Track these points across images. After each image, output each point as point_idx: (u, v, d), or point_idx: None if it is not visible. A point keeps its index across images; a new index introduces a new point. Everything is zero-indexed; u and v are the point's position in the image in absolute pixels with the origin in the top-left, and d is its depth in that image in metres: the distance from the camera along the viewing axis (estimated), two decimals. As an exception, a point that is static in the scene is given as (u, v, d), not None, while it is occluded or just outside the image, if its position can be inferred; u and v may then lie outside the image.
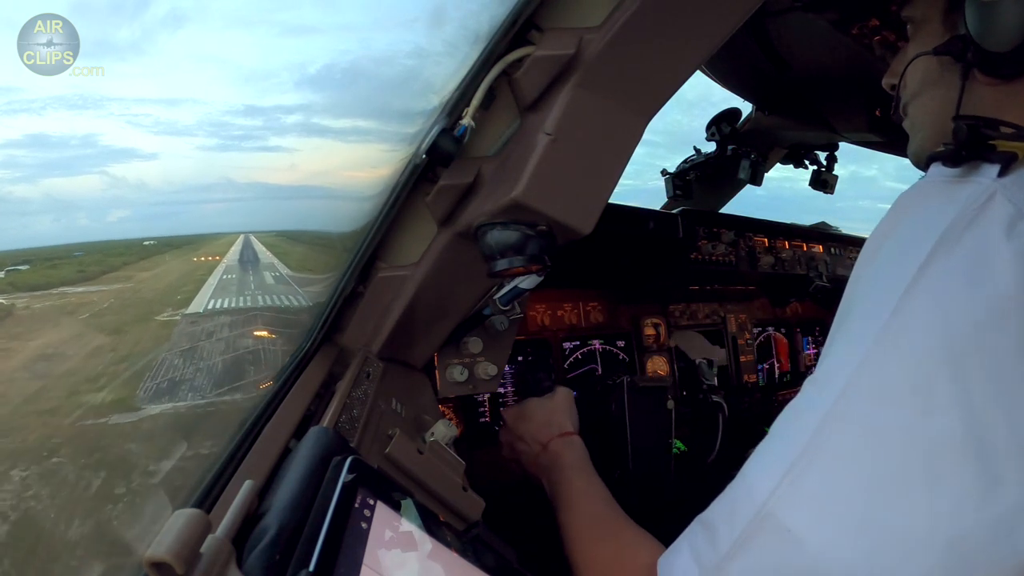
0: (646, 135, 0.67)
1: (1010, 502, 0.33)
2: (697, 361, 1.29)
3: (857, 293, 0.43)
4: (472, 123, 0.62)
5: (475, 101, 0.61)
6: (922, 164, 0.52)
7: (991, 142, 0.42)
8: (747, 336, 1.61)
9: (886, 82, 0.62)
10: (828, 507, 0.36)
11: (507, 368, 1.23)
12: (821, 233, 1.73)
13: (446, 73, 0.62)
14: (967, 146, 0.43)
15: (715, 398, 1.27)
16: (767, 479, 0.39)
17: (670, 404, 1.03)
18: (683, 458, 1.26)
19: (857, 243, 1.77)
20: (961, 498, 0.33)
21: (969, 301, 0.36)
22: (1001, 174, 0.40)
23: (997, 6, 0.47)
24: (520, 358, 1.27)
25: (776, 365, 1.68)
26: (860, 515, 0.35)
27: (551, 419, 0.81)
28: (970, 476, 0.33)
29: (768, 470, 0.40)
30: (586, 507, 0.64)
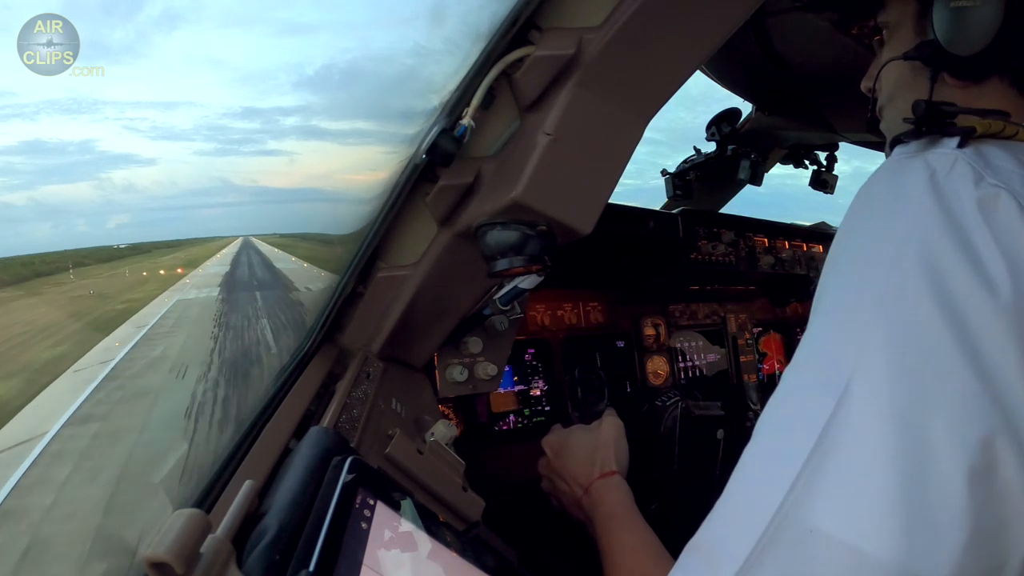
0: (648, 133, 0.67)
1: None
2: (746, 380, 1.19)
3: (839, 273, 0.42)
4: (472, 123, 0.62)
5: (475, 101, 0.61)
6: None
7: (950, 120, 0.43)
8: (747, 336, 1.61)
9: (863, 86, 0.63)
10: (856, 497, 0.34)
11: (507, 368, 1.23)
12: (821, 233, 1.73)
13: (446, 72, 0.62)
14: (926, 121, 0.44)
15: None
16: (775, 483, 0.36)
17: (720, 434, 1.00)
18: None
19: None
20: (991, 452, 0.32)
21: (958, 262, 0.36)
22: (960, 146, 0.41)
23: (963, 11, 0.48)
24: (574, 371, 1.20)
25: (776, 365, 1.68)
26: (892, 498, 0.33)
27: (595, 456, 0.74)
28: (995, 427, 0.33)
29: (774, 473, 0.37)
30: (629, 564, 0.60)
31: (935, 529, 0.32)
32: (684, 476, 0.95)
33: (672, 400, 0.99)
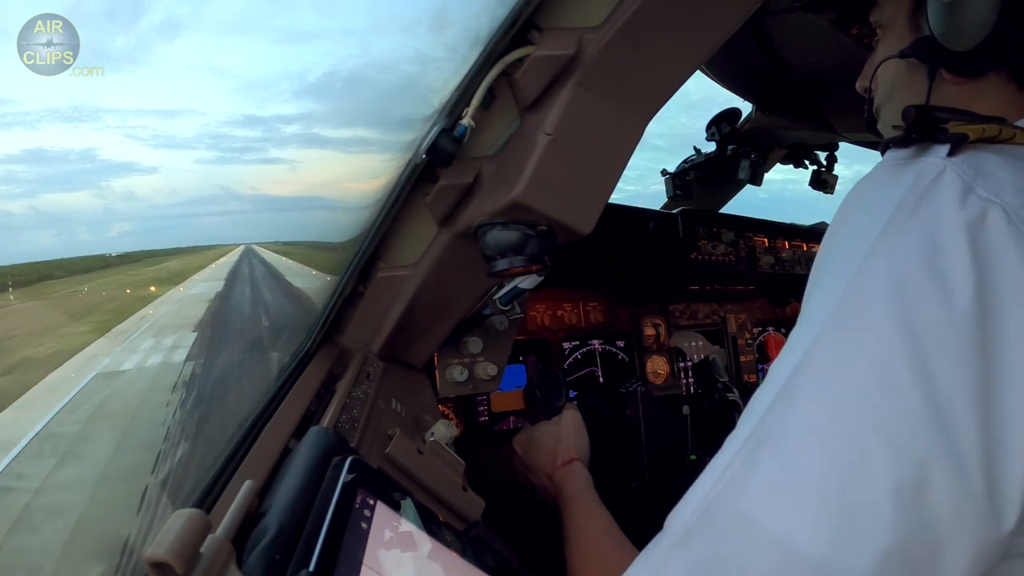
0: (649, 140, 0.67)
1: (976, 477, 0.32)
2: (710, 358, 1.23)
3: (816, 277, 0.42)
4: (472, 123, 0.62)
5: (475, 101, 0.61)
6: None
7: (942, 125, 0.42)
8: (747, 336, 1.61)
9: (859, 85, 0.62)
10: (786, 487, 0.35)
11: (520, 367, 1.23)
12: (821, 233, 1.73)
13: (446, 75, 0.62)
14: (916, 128, 0.43)
15: (730, 396, 1.17)
16: (715, 466, 0.38)
17: (685, 410, 1.01)
18: (703, 465, 1.23)
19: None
20: (926, 473, 0.32)
21: (923, 274, 0.35)
22: (951, 154, 0.40)
23: (957, 6, 0.47)
24: (530, 374, 1.23)
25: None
26: (821, 493, 0.34)
27: (557, 447, 0.80)
28: (933, 450, 0.32)
29: (719, 458, 0.39)
30: (584, 542, 0.64)
31: (861, 531, 0.33)
32: (656, 453, 0.97)
33: (634, 385, 1.01)
